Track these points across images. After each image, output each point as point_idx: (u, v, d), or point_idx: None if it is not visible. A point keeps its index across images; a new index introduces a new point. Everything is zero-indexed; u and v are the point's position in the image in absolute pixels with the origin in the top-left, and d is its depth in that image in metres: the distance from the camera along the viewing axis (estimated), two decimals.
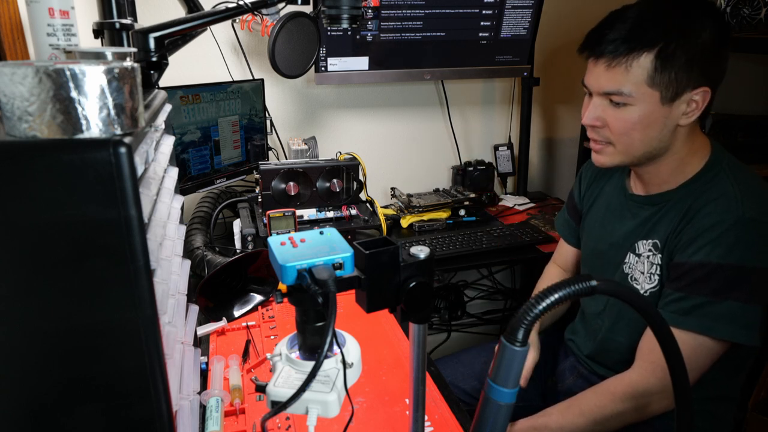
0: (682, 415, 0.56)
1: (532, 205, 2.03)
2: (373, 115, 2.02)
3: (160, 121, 0.73)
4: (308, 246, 0.56)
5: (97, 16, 1.00)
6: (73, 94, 0.43)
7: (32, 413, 0.48)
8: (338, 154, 1.62)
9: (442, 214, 1.80)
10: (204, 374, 0.96)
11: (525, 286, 2.26)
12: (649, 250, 1.03)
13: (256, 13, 1.29)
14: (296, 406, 0.54)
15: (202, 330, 1.07)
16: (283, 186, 1.52)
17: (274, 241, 0.57)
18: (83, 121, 0.44)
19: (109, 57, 0.70)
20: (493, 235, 1.68)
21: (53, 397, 0.48)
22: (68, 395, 0.48)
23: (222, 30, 1.71)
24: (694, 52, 0.90)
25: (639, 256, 1.06)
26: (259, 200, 1.54)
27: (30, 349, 0.47)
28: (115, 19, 0.97)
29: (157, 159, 0.67)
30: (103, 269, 0.45)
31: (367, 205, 1.67)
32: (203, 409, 0.84)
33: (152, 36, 0.92)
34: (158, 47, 0.93)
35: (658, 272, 1.02)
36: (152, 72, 0.93)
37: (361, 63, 1.78)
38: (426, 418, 0.83)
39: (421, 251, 0.58)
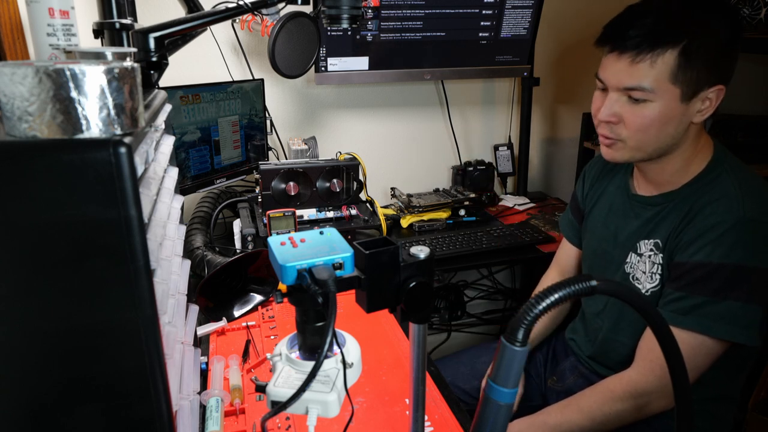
0: (682, 415, 0.56)
1: (532, 205, 2.03)
2: (373, 115, 2.02)
3: (160, 121, 0.73)
4: (308, 246, 0.56)
5: (97, 16, 1.00)
6: (73, 94, 0.43)
7: (32, 413, 0.48)
8: (338, 154, 1.62)
9: (442, 214, 1.80)
10: (204, 374, 0.96)
11: (525, 286, 2.26)
12: (651, 250, 1.03)
13: (256, 13, 1.29)
14: (296, 406, 0.54)
15: (202, 330, 1.07)
16: (283, 186, 1.52)
17: (274, 241, 0.57)
18: (83, 121, 0.43)
19: (109, 57, 0.70)
20: (493, 235, 1.68)
21: (53, 397, 0.48)
22: (68, 395, 0.48)
23: (222, 30, 1.71)
24: (715, 50, 0.90)
25: (641, 255, 1.05)
26: (259, 200, 1.54)
27: (30, 349, 0.47)
28: (115, 19, 0.97)
29: (157, 159, 0.67)
30: (103, 269, 0.45)
31: (367, 205, 1.67)
32: (203, 409, 0.84)
33: (152, 36, 0.92)
34: (158, 47, 0.93)
35: (659, 272, 1.02)
36: (152, 72, 0.93)
37: (361, 63, 1.77)
38: (426, 418, 0.83)
39: (421, 251, 0.58)
